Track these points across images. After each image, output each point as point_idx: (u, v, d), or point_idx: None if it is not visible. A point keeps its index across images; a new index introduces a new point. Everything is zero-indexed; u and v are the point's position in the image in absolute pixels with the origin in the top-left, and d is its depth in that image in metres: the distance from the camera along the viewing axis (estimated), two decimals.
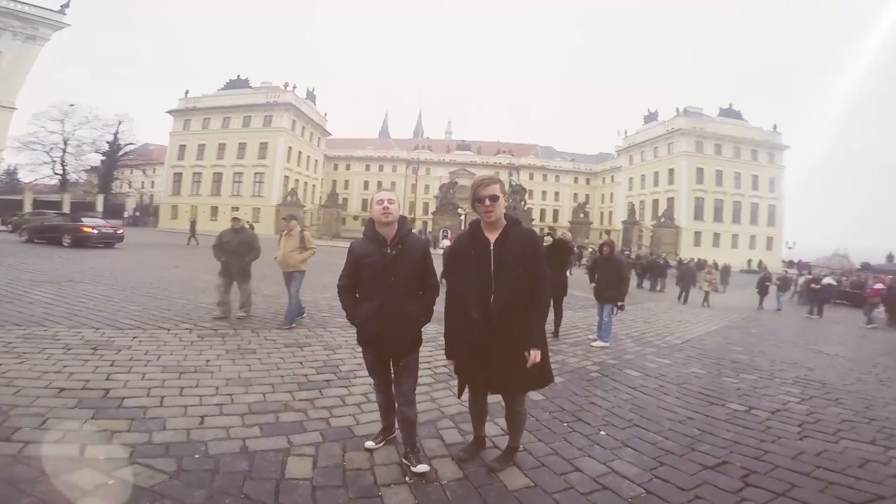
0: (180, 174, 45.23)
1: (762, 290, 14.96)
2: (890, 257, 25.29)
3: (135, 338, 4.65)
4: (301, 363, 4.26)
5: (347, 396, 3.48)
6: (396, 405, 2.55)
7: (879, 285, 13.69)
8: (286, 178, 44.18)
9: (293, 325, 5.78)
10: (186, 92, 46.35)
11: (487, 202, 2.27)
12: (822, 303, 13.80)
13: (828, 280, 15.15)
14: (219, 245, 6.24)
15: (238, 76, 47.17)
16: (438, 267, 2.45)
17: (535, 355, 2.23)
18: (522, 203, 39.46)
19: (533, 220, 43.39)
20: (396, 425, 2.65)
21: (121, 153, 47.01)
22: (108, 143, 45.42)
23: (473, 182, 2.35)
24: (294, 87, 45.39)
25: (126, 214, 40.37)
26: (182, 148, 45.50)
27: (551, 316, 6.85)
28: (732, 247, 43.32)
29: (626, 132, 54.78)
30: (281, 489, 2.14)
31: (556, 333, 6.56)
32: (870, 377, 5.85)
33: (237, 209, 42.07)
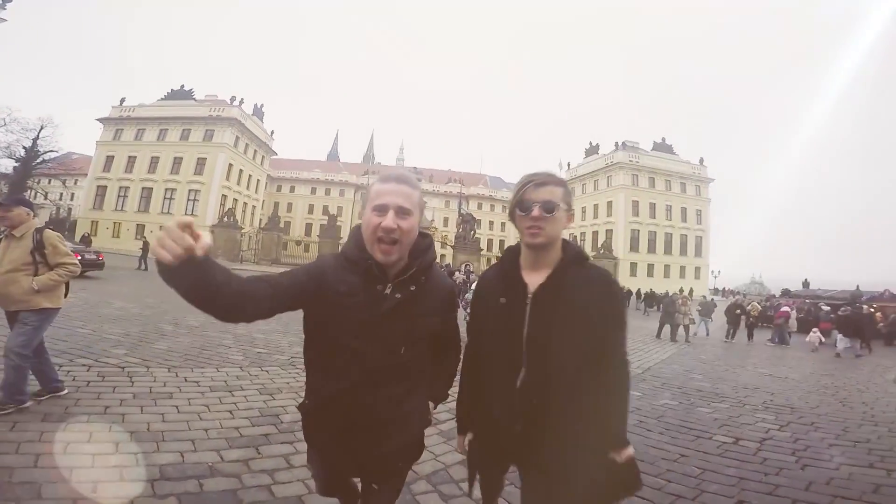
0: (104, 187, 41.05)
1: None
2: (806, 283, 27.91)
3: None
4: (231, 412, 3.43)
5: (293, 455, 2.74)
6: None
7: (786, 308, 15.43)
8: (224, 196, 41.55)
9: (20, 404, 2.97)
10: (122, 100, 42.74)
11: (536, 211, 1.26)
12: (753, 328, 14.50)
13: (754, 305, 16.02)
14: None
15: (182, 86, 44.24)
16: None
17: (626, 453, 1.24)
18: (472, 233, 39.68)
19: (482, 249, 43.73)
20: None
21: (38, 160, 42.07)
22: (24, 148, 40.52)
23: (522, 178, 1.34)
24: (241, 102, 43.24)
25: None
26: (109, 159, 41.47)
27: None
28: (665, 276, 45.98)
29: (568, 164, 57.50)
30: None
31: None
32: (828, 398, 6.02)
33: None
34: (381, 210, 1.20)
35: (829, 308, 16.86)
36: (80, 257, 12.96)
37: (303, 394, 3.94)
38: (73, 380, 3.74)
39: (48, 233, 3.25)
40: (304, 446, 2.77)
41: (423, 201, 1.33)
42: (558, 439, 1.24)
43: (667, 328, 12.46)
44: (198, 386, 4.01)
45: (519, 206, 1.30)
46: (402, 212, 1.20)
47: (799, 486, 2.94)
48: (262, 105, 48.22)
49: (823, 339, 12.98)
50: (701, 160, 51.38)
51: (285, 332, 7.45)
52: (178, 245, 0.88)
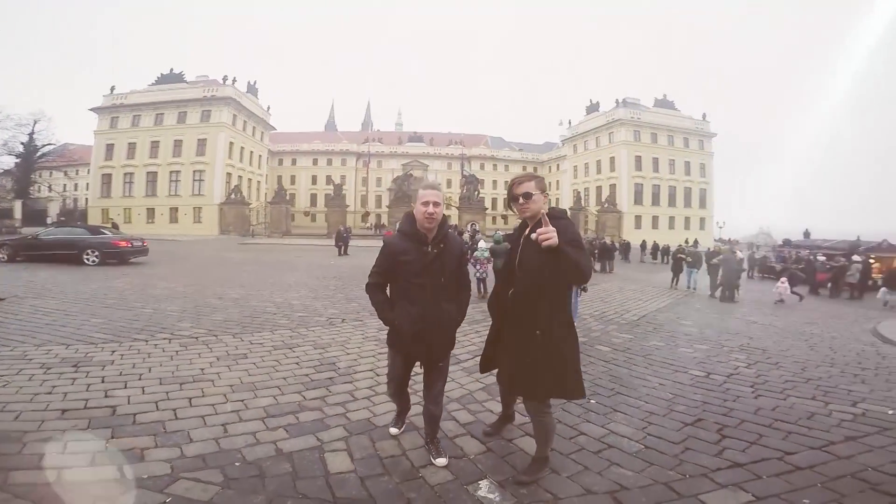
0: (109, 175, 41.68)
1: (676, 267, 14.17)
2: (806, 233, 28.44)
3: (114, 352, 4.45)
4: (297, 363, 4.31)
5: (355, 391, 3.61)
6: (424, 404, 2.60)
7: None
8: (228, 175, 42.05)
9: None
10: (112, 88, 42.60)
11: (521, 200, 2.22)
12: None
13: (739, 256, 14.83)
14: None
15: (171, 70, 43.98)
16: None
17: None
18: (476, 193, 40.17)
19: (487, 208, 44.27)
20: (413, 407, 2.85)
21: (38, 154, 42.67)
22: (22, 144, 41.07)
23: (510, 182, 2.33)
24: (234, 81, 43.00)
25: (49, 220, 36.79)
26: (109, 147, 41.90)
27: None
28: (669, 228, 46.62)
29: (570, 122, 56.96)
30: (332, 484, 2.26)
31: None
32: (800, 343, 6.63)
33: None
34: (426, 204, 2.27)
35: (824, 258, 17.06)
36: (130, 245, 13.81)
37: (348, 346, 4.88)
38: (163, 351, 4.57)
39: None
40: (361, 384, 3.71)
41: (444, 195, 2.44)
42: (525, 322, 2.21)
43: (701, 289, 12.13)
44: (263, 347, 4.87)
45: (511, 199, 2.31)
46: (436, 204, 2.29)
47: (749, 411, 3.58)
48: (255, 82, 47.85)
49: (787, 292, 12.05)
50: (703, 115, 51.01)
51: (316, 297, 8.33)
52: None
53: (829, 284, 15.02)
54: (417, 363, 2.53)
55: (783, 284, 12.29)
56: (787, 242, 28.68)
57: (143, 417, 2.95)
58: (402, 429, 2.82)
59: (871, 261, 16.53)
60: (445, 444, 2.66)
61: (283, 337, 5.32)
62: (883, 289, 12.97)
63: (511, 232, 7.99)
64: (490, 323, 2.59)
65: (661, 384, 4.24)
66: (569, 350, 2.24)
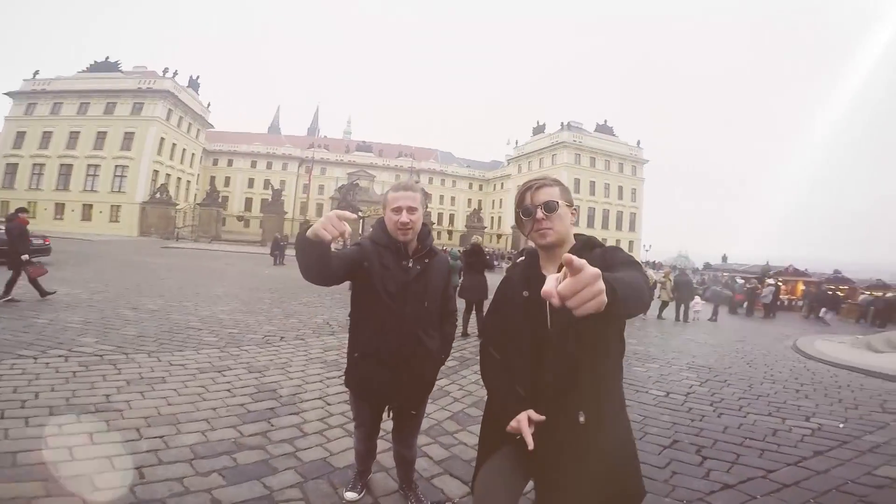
0: (15, 165, 36.77)
1: None
2: (724, 258, 31.33)
3: None
4: (229, 390, 3.64)
5: (303, 424, 3.07)
6: (393, 449, 2.13)
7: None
8: (155, 172, 38.60)
9: None
10: (35, 72, 38.19)
11: (540, 213, 1.31)
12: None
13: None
14: None
15: (106, 58, 40.20)
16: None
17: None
18: (424, 207, 39.96)
19: (433, 223, 44.29)
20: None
21: None
22: None
23: (520, 186, 1.41)
24: (175, 74, 39.98)
25: None
26: (20, 135, 37.17)
27: (473, 318, 7.05)
28: None
29: (516, 142, 59.02)
30: None
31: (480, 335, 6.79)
32: (738, 360, 7.04)
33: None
34: (397, 211, 1.74)
35: (743, 281, 18.89)
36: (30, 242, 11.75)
37: (289, 370, 4.23)
38: (57, 371, 3.72)
39: None
40: (310, 415, 3.16)
41: (424, 198, 1.89)
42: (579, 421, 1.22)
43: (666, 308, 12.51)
44: (185, 369, 4.12)
45: (522, 212, 1.35)
46: (410, 210, 1.76)
47: (718, 430, 3.62)
48: (198, 77, 44.97)
49: (699, 310, 12.85)
50: (638, 142, 54.96)
51: (249, 311, 7.51)
52: (337, 230, 1.34)
53: (745, 304, 16.61)
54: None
55: (696, 302, 13.19)
56: (707, 266, 31.36)
57: (26, 457, 2.26)
58: (362, 494, 2.21)
59: (780, 284, 18.53)
60: (424, 487, 2.26)
61: (211, 357, 4.57)
62: (823, 308, 15.74)
63: (468, 248, 7.69)
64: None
65: (629, 405, 4.08)
66: (627, 440, 1.37)
